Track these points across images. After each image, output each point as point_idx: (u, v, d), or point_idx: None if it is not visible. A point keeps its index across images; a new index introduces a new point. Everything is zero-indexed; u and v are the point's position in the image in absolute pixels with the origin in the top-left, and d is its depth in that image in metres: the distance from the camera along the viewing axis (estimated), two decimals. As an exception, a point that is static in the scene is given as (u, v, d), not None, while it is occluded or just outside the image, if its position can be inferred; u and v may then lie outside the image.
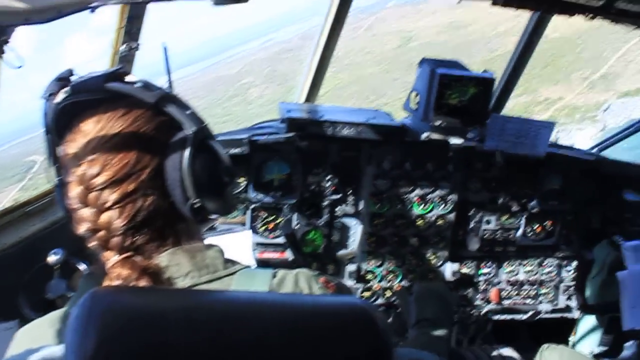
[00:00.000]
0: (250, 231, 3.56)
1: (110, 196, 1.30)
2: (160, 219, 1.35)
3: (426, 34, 59.50)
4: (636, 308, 3.18)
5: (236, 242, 3.37)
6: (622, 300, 3.22)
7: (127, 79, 1.40)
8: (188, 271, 1.33)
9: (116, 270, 1.28)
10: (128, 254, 1.32)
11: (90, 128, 1.34)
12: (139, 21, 3.03)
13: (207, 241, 1.46)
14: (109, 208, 1.31)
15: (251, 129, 3.67)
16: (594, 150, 4.47)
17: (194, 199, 1.34)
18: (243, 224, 3.62)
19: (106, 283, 1.28)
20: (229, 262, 1.41)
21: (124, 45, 3.06)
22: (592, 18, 3.27)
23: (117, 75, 1.39)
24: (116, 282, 1.26)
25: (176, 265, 1.34)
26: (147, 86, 1.38)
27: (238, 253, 3.26)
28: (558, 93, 39.33)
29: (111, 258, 1.32)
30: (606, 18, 3.29)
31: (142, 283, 1.26)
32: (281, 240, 3.66)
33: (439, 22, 63.93)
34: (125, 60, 3.12)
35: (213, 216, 1.43)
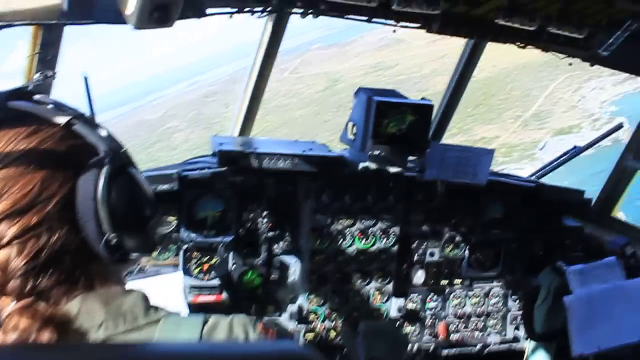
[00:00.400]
0: (181, 272, 3.46)
1: (8, 230, 1.15)
2: (69, 258, 1.21)
3: (353, 75, 61.22)
4: (584, 333, 3.27)
5: (166, 285, 3.26)
6: (570, 325, 3.30)
7: (37, 98, 1.29)
8: (101, 321, 1.18)
9: (13, 320, 1.12)
10: (28, 300, 1.16)
11: None
12: (55, 48, 2.94)
13: (130, 285, 1.33)
14: (7, 244, 1.16)
15: (181, 165, 3.62)
16: (533, 178, 4.67)
17: (109, 234, 1.22)
18: (176, 265, 3.51)
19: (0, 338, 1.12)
20: (152, 308, 1.26)
21: (38, 74, 2.96)
22: (525, 46, 3.49)
23: (23, 93, 1.28)
24: (12, 336, 1.10)
25: (87, 313, 1.19)
26: (59, 106, 1.28)
27: (168, 297, 3.16)
28: (493, 132, 41.14)
29: (8, 306, 1.16)
30: (538, 45, 3.51)
31: (45, 336, 1.11)
32: (217, 282, 3.58)
33: (365, 63, 66.17)
34: (40, 90, 3.02)
35: (133, 255, 1.31)
